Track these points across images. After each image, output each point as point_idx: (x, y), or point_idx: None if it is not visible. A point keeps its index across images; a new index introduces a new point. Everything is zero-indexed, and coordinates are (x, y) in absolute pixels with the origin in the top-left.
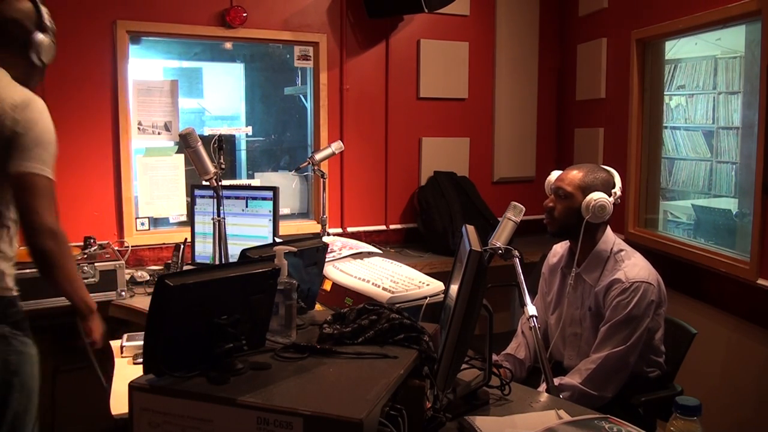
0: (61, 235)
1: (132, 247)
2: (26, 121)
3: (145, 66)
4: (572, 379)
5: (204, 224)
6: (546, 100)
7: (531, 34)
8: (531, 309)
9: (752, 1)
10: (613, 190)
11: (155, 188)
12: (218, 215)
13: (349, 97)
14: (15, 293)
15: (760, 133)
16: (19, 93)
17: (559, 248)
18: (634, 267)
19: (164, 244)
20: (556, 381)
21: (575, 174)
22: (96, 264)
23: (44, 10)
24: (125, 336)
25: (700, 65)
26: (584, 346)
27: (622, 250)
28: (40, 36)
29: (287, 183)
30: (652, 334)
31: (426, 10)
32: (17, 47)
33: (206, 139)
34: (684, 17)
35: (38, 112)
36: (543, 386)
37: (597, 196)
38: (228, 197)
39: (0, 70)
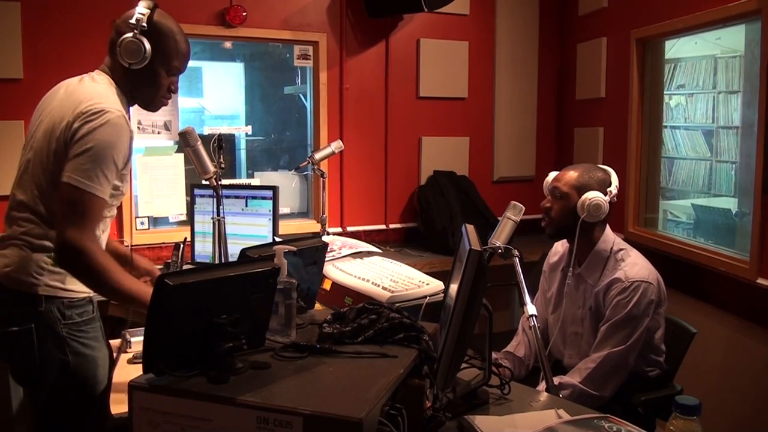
0: (81, 253)
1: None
2: (83, 132)
3: None
4: (572, 378)
5: (204, 223)
6: (546, 100)
7: (531, 33)
8: (531, 308)
9: (752, 1)
10: (608, 189)
11: (155, 187)
12: (218, 214)
13: (348, 97)
14: (78, 295)
15: (760, 133)
16: (91, 102)
17: (560, 247)
18: (634, 266)
19: (164, 243)
20: (556, 380)
21: (571, 174)
22: None
23: (139, 11)
24: (127, 332)
25: (699, 65)
26: (585, 346)
27: (621, 249)
28: (126, 36)
29: (287, 182)
30: (652, 334)
31: (426, 10)
32: (114, 52)
33: (206, 139)
34: (684, 16)
35: (100, 124)
36: (542, 385)
37: (592, 195)
38: (228, 196)
39: (100, 77)
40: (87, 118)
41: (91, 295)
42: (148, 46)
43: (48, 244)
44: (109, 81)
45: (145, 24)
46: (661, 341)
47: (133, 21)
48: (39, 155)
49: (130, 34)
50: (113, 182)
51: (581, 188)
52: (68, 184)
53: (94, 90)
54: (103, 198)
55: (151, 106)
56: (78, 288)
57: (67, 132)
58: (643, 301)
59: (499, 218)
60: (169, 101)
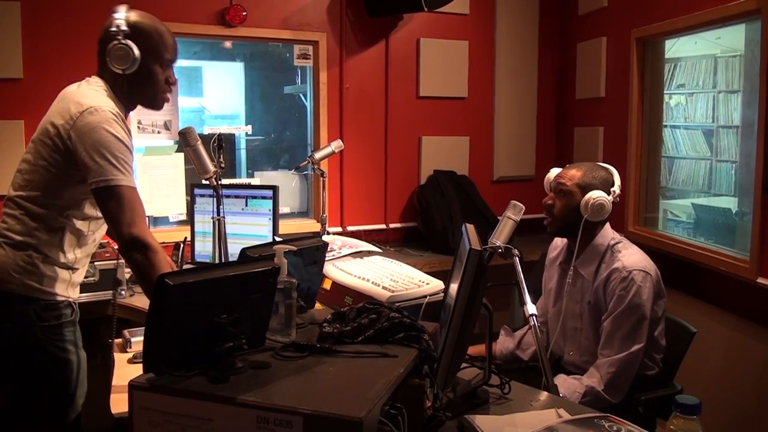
0: (148, 248)
1: None
2: (80, 133)
3: None
4: (592, 383)
5: (204, 223)
6: (546, 99)
7: (531, 32)
8: (530, 308)
9: (751, 1)
10: (612, 189)
11: (155, 187)
12: (218, 214)
13: (348, 96)
14: (55, 298)
15: (760, 132)
16: (82, 104)
17: (559, 242)
18: (631, 256)
19: (164, 243)
20: (575, 381)
21: (575, 172)
22: (96, 263)
23: (117, 16)
24: (127, 332)
25: (699, 64)
26: (584, 341)
27: (618, 242)
28: (111, 44)
29: (287, 182)
30: (653, 327)
31: (426, 9)
32: (104, 63)
33: (206, 138)
34: (684, 16)
35: (95, 120)
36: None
37: (596, 195)
38: (228, 196)
39: (95, 80)
40: (81, 119)
41: (71, 299)
42: (135, 48)
43: (29, 240)
44: (105, 86)
45: (126, 28)
46: (661, 336)
47: (113, 28)
48: (34, 154)
49: (115, 42)
50: (132, 166)
51: (585, 187)
52: (96, 189)
53: (87, 93)
54: (131, 186)
55: (155, 104)
56: (55, 290)
57: (65, 137)
58: (644, 289)
59: (499, 218)
60: (170, 96)
